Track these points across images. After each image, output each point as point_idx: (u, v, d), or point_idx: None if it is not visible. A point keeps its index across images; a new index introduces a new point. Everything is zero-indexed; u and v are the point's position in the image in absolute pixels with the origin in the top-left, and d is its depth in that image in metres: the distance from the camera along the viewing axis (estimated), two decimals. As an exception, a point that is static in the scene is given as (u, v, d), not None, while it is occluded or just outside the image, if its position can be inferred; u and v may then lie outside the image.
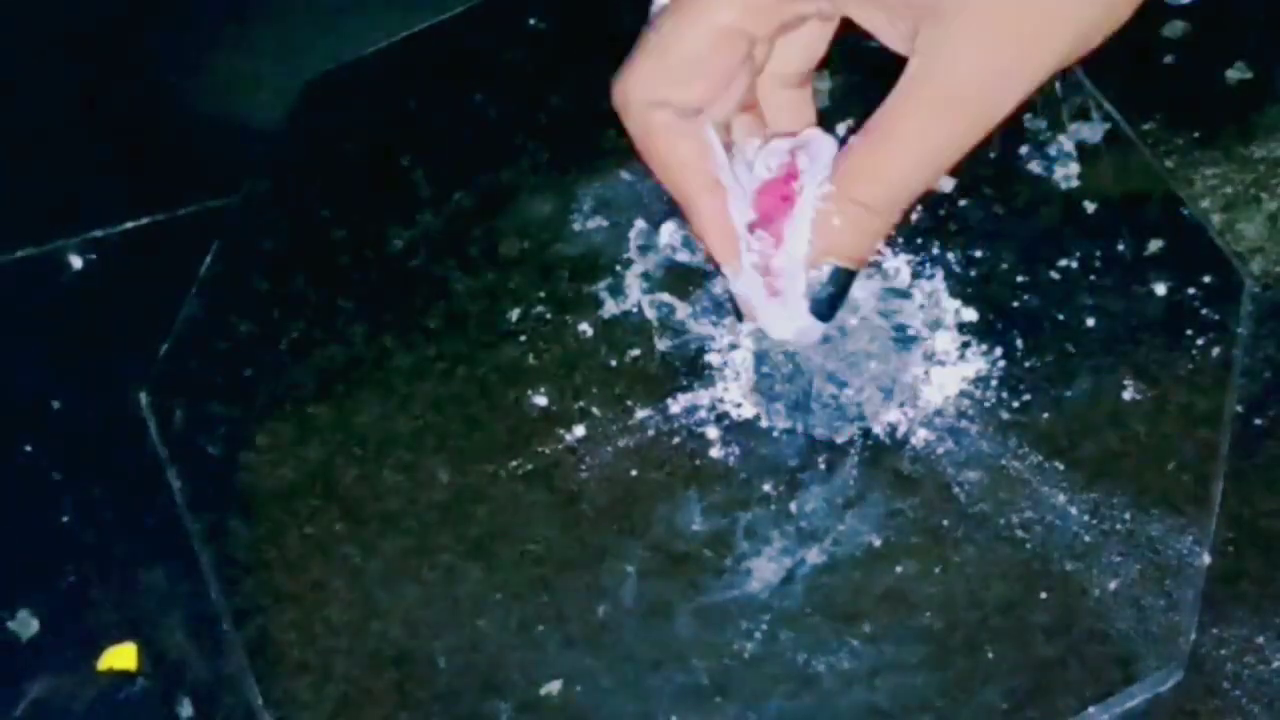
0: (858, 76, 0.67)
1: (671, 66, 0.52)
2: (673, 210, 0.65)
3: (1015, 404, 0.59)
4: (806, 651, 0.55)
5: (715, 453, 0.59)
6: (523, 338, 0.63)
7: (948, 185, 0.64)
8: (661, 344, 0.62)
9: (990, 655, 0.54)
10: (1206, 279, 0.62)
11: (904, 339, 0.61)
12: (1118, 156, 0.65)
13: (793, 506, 0.58)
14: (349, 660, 0.56)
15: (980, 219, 0.64)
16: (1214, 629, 0.55)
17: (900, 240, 0.63)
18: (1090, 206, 0.64)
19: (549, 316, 0.63)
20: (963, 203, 0.64)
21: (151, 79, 0.72)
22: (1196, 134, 0.66)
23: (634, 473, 0.59)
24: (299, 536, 0.59)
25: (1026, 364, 0.60)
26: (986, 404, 0.59)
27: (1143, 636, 0.54)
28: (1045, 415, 0.59)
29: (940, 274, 0.62)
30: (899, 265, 0.63)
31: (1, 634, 0.58)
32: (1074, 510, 0.57)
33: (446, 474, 0.60)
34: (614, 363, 0.62)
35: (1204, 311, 0.61)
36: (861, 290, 0.61)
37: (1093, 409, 0.59)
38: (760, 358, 0.61)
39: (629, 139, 0.54)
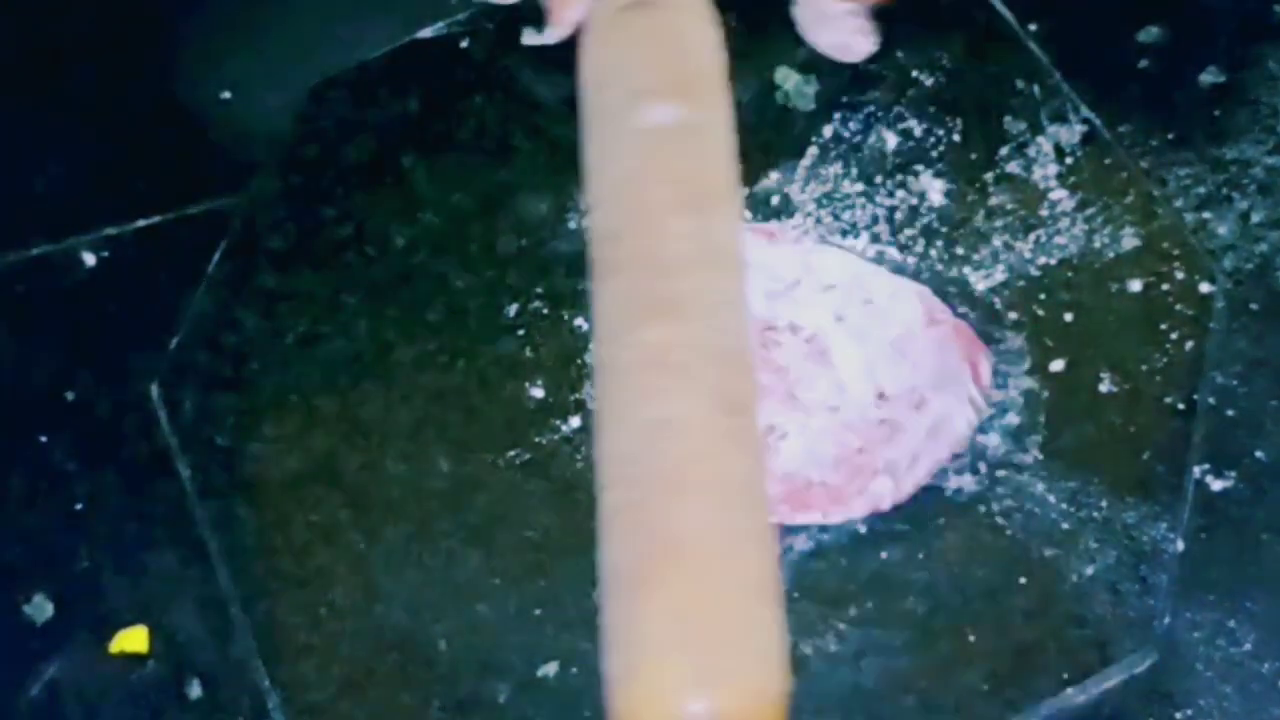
0: (843, 79, 0.68)
1: None
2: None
3: (996, 396, 0.60)
4: (794, 634, 0.54)
5: (706, 443, 0.60)
6: (520, 332, 0.63)
7: (935, 188, 0.65)
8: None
9: (972, 638, 0.55)
10: (1180, 276, 0.62)
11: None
12: (1094, 157, 0.65)
13: (781, 494, 0.58)
14: (353, 643, 0.57)
15: (961, 218, 0.64)
16: (1187, 613, 0.55)
17: (884, 239, 0.64)
18: (1068, 205, 0.64)
19: (545, 311, 0.64)
20: (943, 202, 0.65)
21: (163, 83, 0.72)
22: (1171, 135, 0.66)
23: (628, 462, 0.60)
24: (304, 523, 0.60)
25: (1007, 357, 0.61)
26: (968, 396, 0.60)
27: (1119, 620, 0.55)
28: (1025, 407, 0.60)
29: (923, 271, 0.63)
30: (881, 265, 0.64)
31: (17, 617, 0.58)
32: (1052, 499, 0.58)
33: (447, 463, 0.60)
34: (609, 356, 0.63)
35: (1178, 307, 0.62)
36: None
37: (1070, 400, 0.60)
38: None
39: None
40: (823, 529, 0.58)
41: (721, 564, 0.43)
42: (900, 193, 0.65)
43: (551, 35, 0.64)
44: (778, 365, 0.60)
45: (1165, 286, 0.62)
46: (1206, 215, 0.64)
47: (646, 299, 0.46)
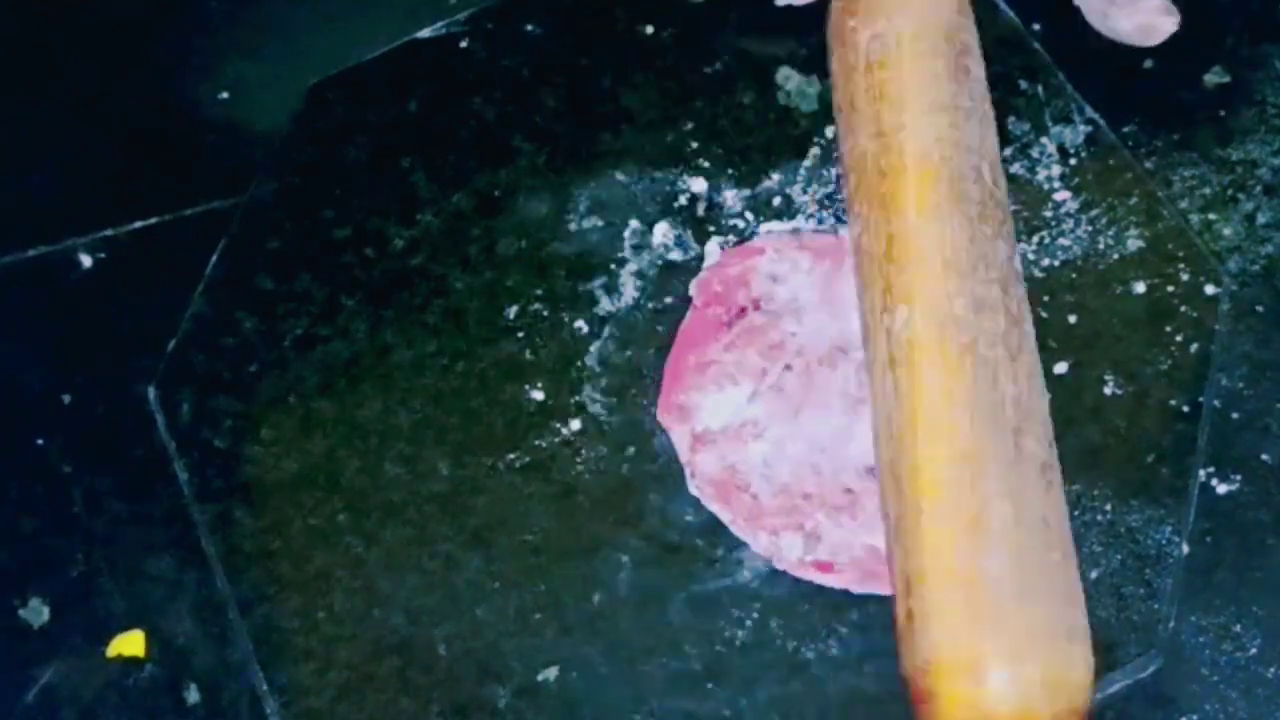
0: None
1: None
2: (665, 210, 0.65)
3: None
4: (796, 639, 0.56)
5: (707, 446, 0.60)
6: (520, 334, 0.63)
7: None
8: (655, 339, 0.62)
9: (974, 642, 0.55)
10: (1185, 277, 0.62)
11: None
12: (1099, 158, 0.65)
13: (783, 498, 0.58)
14: (351, 647, 0.57)
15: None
16: (1192, 617, 0.55)
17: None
18: (1072, 206, 0.64)
19: (546, 314, 0.64)
20: (949, 203, 0.65)
21: (161, 84, 0.72)
22: (1176, 136, 0.66)
23: (628, 465, 0.60)
24: (303, 527, 0.60)
25: (1010, 360, 0.61)
26: (971, 398, 0.60)
27: (1123, 624, 0.55)
28: (1028, 409, 0.60)
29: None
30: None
31: (13, 622, 0.58)
32: (1056, 502, 0.58)
33: (446, 466, 0.60)
34: (609, 358, 0.62)
35: (1182, 309, 0.61)
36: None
37: (1074, 403, 0.60)
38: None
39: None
40: (825, 532, 0.58)
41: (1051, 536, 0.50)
42: (903, 194, 0.65)
43: None
44: (816, 383, 0.59)
45: (1170, 288, 0.62)
46: (1212, 216, 0.64)
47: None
